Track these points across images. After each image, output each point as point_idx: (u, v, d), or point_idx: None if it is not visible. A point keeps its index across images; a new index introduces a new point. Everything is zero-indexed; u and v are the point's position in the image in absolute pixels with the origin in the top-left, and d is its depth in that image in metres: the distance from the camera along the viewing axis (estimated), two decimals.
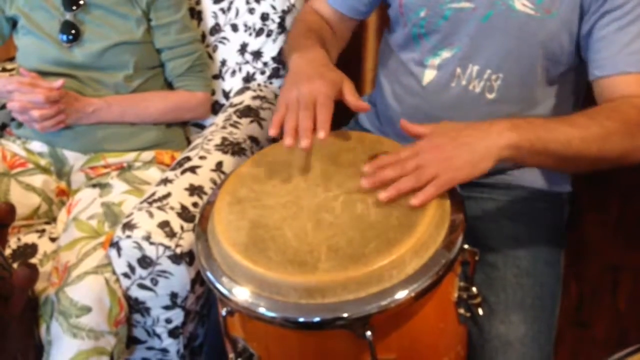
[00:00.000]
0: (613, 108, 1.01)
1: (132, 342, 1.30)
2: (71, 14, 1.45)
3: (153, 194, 1.24)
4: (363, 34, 1.91)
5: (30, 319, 1.18)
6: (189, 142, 1.63)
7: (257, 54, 1.64)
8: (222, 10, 1.65)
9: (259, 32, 1.62)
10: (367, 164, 0.93)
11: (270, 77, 1.65)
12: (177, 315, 1.25)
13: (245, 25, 1.63)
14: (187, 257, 1.17)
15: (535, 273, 1.10)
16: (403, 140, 0.99)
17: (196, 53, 1.57)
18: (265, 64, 1.64)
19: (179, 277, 1.18)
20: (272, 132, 0.98)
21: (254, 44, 1.63)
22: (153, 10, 1.50)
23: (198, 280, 1.21)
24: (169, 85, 1.60)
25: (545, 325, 1.06)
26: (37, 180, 1.44)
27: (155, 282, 1.19)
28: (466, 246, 0.88)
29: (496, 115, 1.12)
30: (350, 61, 1.32)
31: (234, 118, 1.51)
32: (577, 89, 1.20)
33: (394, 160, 0.91)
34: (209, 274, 0.88)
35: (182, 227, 1.18)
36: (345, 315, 0.78)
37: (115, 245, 1.18)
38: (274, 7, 1.60)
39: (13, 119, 1.52)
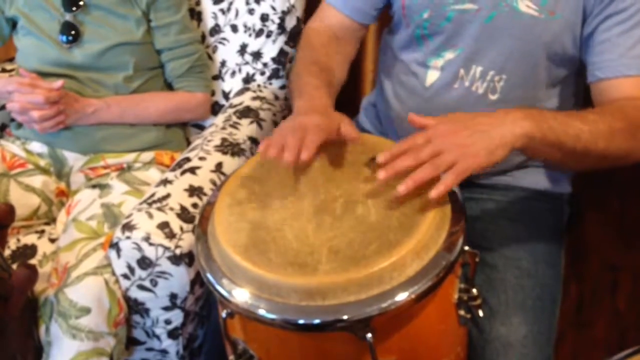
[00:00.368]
0: (617, 108, 1.01)
1: (131, 343, 1.30)
2: (71, 14, 1.44)
3: (153, 195, 1.24)
4: (364, 37, 1.90)
5: (30, 319, 1.18)
6: (188, 142, 1.63)
7: (256, 55, 1.64)
8: (222, 11, 1.65)
9: (258, 33, 1.62)
10: (381, 154, 0.90)
11: (270, 78, 1.65)
12: (177, 316, 1.25)
13: (245, 26, 1.63)
14: (186, 258, 1.17)
15: (536, 274, 1.10)
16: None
17: (196, 54, 1.57)
18: (265, 64, 1.64)
19: (179, 278, 1.18)
20: (260, 151, 0.96)
21: (253, 44, 1.63)
22: (153, 11, 1.50)
23: (197, 281, 1.21)
24: (169, 86, 1.60)
25: (545, 326, 1.07)
26: (37, 181, 1.44)
27: (154, 283, 1.19)
28: (467, 248, 0.88)
29: None
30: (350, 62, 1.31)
31: (234, 119, 1.51)
32: (578, 90, 1.21)
33: (408, 147, 0.89)
34: (208, 275, 0.88)
35: (181, 228, 1.18)
36: (345, 317, 0.78)
37: (114, 246, 1.18)
38: (273, 8, 1.60)
39: (13, 120, 1.52)
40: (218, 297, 0.87)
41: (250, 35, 1.63)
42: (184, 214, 1.20)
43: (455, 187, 0.94)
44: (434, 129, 0.90)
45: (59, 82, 1.37)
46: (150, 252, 1.15)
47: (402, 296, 0.79)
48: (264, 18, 1.61)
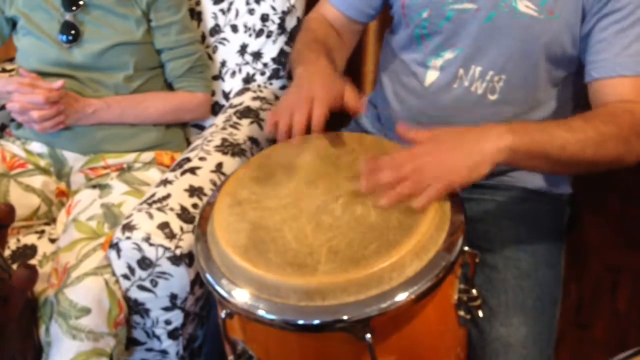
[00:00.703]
0: (608, 113, 1.01)
1: (131, 343, 1.30)
2: (71, 14, 1.45)
3: (153, 195, 1.24)
4: (363, 36, 1.91)
5: (30, 320, 1.18)
6: (188, 143, 1.63)
7: (257, 55, 1.64)
8: (222, 11, 1.65)
9: (259, 33, 1.62)
10: (366, 162, 0.92)
11: (270, 78, 1.65)
12: (177, 317, 1.25)
13: (245, 26, 1.63)
14: (186, 259, 1.17)
15: (536, 275, 1.10)
16: (404, 141, 0.99)
17: (196, 54, 1.57)
18: (265, 64, 1.64)
19: (179, 279, 1.18)
20: (267, 130, 1.01)
21: (253, 44, 1.63)
22: (153, 11, 1.50)
23: (197, 281, 1.21)
24: (169, 86, 1.60)
25: (545, 327, 1.06)
26: (37, 181, 1.44)
27: (154, 283, 1.19)
28: (466, 248, 0.88)
29: (498, 116, 1.12)
30: (350, 62, 1.31)
31: (234, 119, 1.51)
32: (577, 91, 1.20)
33: (390, 162, 0.91)
34: (208, 275, 0.88)
35: (181, 229, 1.18)
36: (345, 317, 0.78)
37: (114, 246, 1.18)
38: (274, 8, 1.60)
39: (13, 120, 1.52)
40: (217, 298, 0.87)
41: (250, 35, 1.63)
42: (184, 215, 1.20)
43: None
44: (418, 146, 0.92)
45: (59, 82, 1.37)
46: (150, 252, 1.15)
47: (401, 297, 0.79)
48: (264, 18, 1.61)
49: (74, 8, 1.44)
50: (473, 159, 0.89)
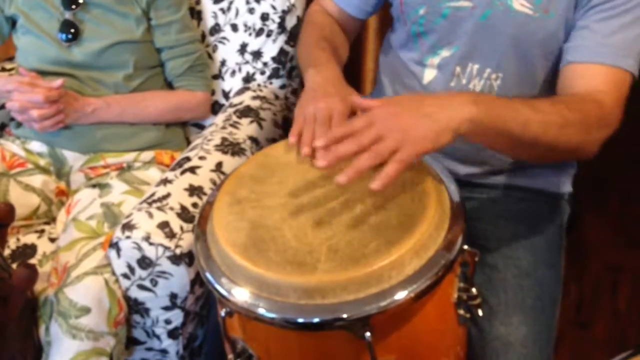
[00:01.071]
0: (575, 99, 1.00)
1: (131, 342, 1.30)
2: (70, 13, 1.45)
3: (153, 195, 1.24)
4: (363, 34, 1.91)
5: (30, 319, 1.18)
6: (188, 142, 1.63)
7: (257, 54, 1.64)
8: (222, 10, 1.65)
9: (258, 32, 1.62)
10: (319, 139, 0.87)
11: (270, 77, 1.65)
12: (177, 316, 1.25)
13: (245, 25, 1.63)
14: (186, 258, 1.17)
15: (536, 274, 1.10)
16: None
17: (196, 53, 1.57)
18: (265, 64, 1.64)
19: (179, 278, 1.18)
20: (292, 140, 0.99)
21: (253, 44, 1.63)
22: (153, 10, 1.50)
23: (197, 281, 1.21)
24: (169, 85, 1.60)
25: (545, 326, 1.06)
26: (37, 180, 1.44)
27: (154, 282, 1.19)
28: (466, 247, 0.88)
29: None
30: (350, 62, 1.31)
31: (234, 118, 1.51)
32: None
33: (348, 131, 0.86)
34: (208, 274, 0.88)
35: (181, 228, 1.18)
36: (344, 316, 0.78)
37: (114, 245, 1.18)
38: (274, 7, 1.60)
39: (12, 119, 1.52)
40: (217, 297, 0.87)
41: (250, 34, 1.63)
42: (184, 214, 1.20)
43: (455, 186, 0.94)
44: (376, 110, 0.87)
45: (58, 81, 1.37)
46: (150, 251, 1.15)
47: (401, 295, 0.79)
48: (264, 17, 1.61)
49: (73, 7, 1.44)
50: (437, 126, 0.84)
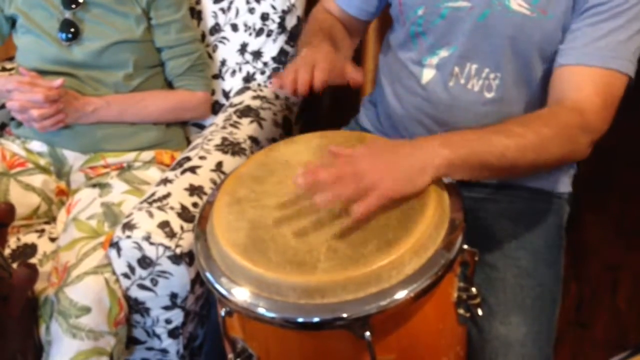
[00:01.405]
0: (551, 114, 1.01)
1: (131, 342, 1.30)
2: (70, 12, 1.45)
3: (153, 194, 1.24)
4: (363, 35, 1.90)
5: (30, 319, 1.18)
6: (188, 142, 1.63)
7: (257, 54, 1.64)
8: (222, 10, 1.65)
9: (259, 32, 1.62)
10: (304, 168, 0.88)
11: (270, 77, 1.65)
12: (177, 316, 1.25)
13: (245, 25, 1.63)
14: (187, 258, 1.17)
15: (535, 274, 1.10)
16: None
17: (196, 53, 1.57)
18: (265, 64, 1.64)
19: (179, 278, 1.18)
20: (274, 83, 1.03)
21: (254, 43, 1.63)
22: (153, 9, 1.50)
23: (198, 280, 1.21)
24: (169, 85, 1.60)
25: (545, 326, 1.06)
26: (37, 180, 1.44)
27: (155, 282, 1.19)
28: (465, 247, 0.88)
29: (496, 114, 1.12)
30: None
31: (234, 118, 1.51)
32: None
33: (329, 164, 0.88)
34: (208, 274, 0.88)
35: (182, 228, 1.18)
36: (344, 315, 0.78)
37: (115, 245, 1.18)
38: (274, 7, 1.60)
39: (13, 119, 1.52)
40: (217, 296, 0.87)
41: (250, 34, 1.63)
42: (184, 213, 1.20)
43: (455, 186, 0.94)
44: (356, 150, 0.90)
45: (58, 81, 1.37)
46: (150, 251, 1.15)
47: (400, 294, 0.79)
48: (265, 17, 1.61)
49: (73, 6, 1.44)
50: (413, 170, 0.87)
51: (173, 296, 1.21)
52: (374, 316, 0.79)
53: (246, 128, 1.48)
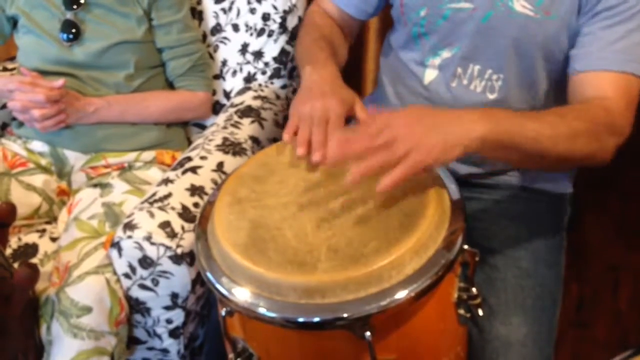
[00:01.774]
0: (582, 109, 1.00)
1: (132, 342, 1.30)
2: (72, 12, 1.45)
3: (154, 194, 1.24)
4: (364, 35, 1.91)
5: (31, 318, 1.18)
6: (189, 142, 1.63)
7: (258, 54, 1.64)
8: (223, 10, 1.65)
9: (260, 32, 1.62)
10: (332, 139, 0.89)
11: (271, 77, 1.65)
12: (178, 316, 1.25)
13: (247, 25, 1.63)
14: (187, 258, 1.17)
15: (536, 274, 1.10)
16: None
17: (197, 53, 1.57)
18: (266, 64, 1.64)
19: (180, 278, 1.18)
20: (286, 137, 1.00)
21: (255, 44, 1.63)
22: (154, 10, 1.50)
23: (199, 280, 1.21)
24: (170, 85, 1.60)
25: (545, 326, 1.07)
26: (38, 180, 1.44)
27: (156, 282, 1.19)
28: (466, 247, 0.88)
29: None
30: (351, 62, 1.32)
31: (235, 118, 1.51)
32: None
33: (363, 132, 0.87)
34: (208, 274, 0.88)
35: (183, 228, 1.18)
36: (345, 315, 0.78)
37: (116, 245, 1.18)
38: (275, 7, 1.60)
39: (14, 119, 1.52)
40: (218, 296, 0.87)
41: (251, 34, 1.63)
42: (185, 214, 1.20)
43: (456, 186, 0.94)
44: (391, 118, 0.88)
45: (60, 81, 1.37)
46: (151, 251, 1.16)
47: (401, 294, 0.79)
48: (266, 17, 1.61)
49: (74, 6, 1.44)
50: (448, 141, 0.86)
51: (174, 296, 1.21)
52: (375, 316, 0.79)
53: (247, 128, 1.48)
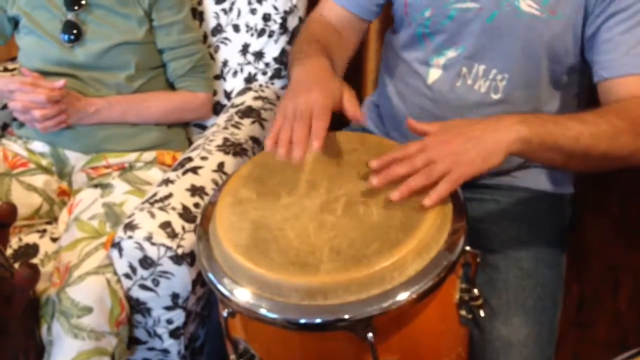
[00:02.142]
0: (621, 107, 1.00)
1: (133, 342, 1.30)
2: (73, 13, 1.45)
3: (154, 195, 1.24)
4: (364, 35, 1.90)
5: (32, 319, 1.18)
6: (190, 142, 1.63)
7: (258, 55, 1.64)
8: (224, 11, 1.65)
9: (260, 33, 1.62)
10: (374, 161, 0.91)
11: (272, 78, 1.65)
12: (178, 316, 1.25)
13: (247, 26, 1.63)
14: (188, 258, 1.17)
15: (537, 274, 1.10)
16: (407, 141, 0.99)
17: (198, 54, 1.57)
18: (266, 64, 1.64)
19: (180, 278, 1.18)
20: (268, 143, 0.96)
21: (255, 44, 1.63)
22: (155, 11, 1.50)
23: (199, 281, 1.21)
24: (171, 86, 1.60)
25: (546, 326, 1.07)
26: (39, 180, 1.44)
27: (156, 282, 1.19)
28: (468, 248, 0.88)
29: None
30: (351, 62, 1.31)
31: (236, 119, 1.51)
32: (580, 90, 1.20)
33: (401, 155, 0.90)
34: (210, 275, 0.88)
35: (183, 228, 1.18)
36: (347, 316, 0.78)
37: (116, 245, 1.18)
38: (275, 8, 1.60)
39: (15, 119, 1.52)
40: (219, 297, 0.87)
41: (252, 35, 1.63)
42: (185, 214, 1.20)
43: (457, 188, 0.94)
44: (428, 137, 0.91)
45: (61, 82, 1.37)
46: (152, 251, 1.16)
47: (403, 296, 0.79)
48: (266, 18, 1.61)
49: (76, 7, 1.44)
50: (486, 149, 0.88)
51: (174, 296, 1.21)
52: (377, 317, 0.79)
53: (248, 129, 1.48)
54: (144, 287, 1.20)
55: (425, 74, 1.20)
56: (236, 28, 1.64)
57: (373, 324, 0.79)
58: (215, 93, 1.67)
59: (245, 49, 1.64)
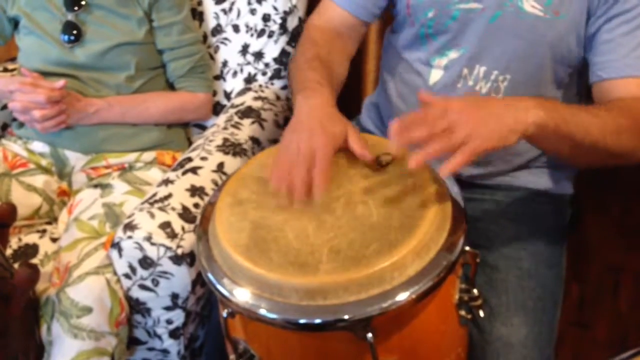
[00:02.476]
0: (624, 106, 1.01)
1: (133, 342, 1.30)
2: (73, 14, 1.45)
3: (154, 195, 1.25)
4: (365, 35, 1.90)
5: (31, 319, 1.18)
6: (190, 142, 1.63)
7: (258, 55, 1.64)
8: (224, 11, 1.65)
9: (260, 33, 1.62)
10: (394, 123, 0.88)
11: (271, 78, 1.65)
12: (178, 316, 1.25)
13: (247, 26, 1.63)
14: (188, 258, 1.17)
15: (537, 275, 1.10)
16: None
17: (198, 54, 1.57)
18: (266, 64, 1.64)
19: (180, 278, 1.18)
20: (274, 185, 0.94)
21: (255, 44, 1.63)
22: (155, 11, 1.50)
23: (199, 281, 1.21)
24: (171, 86, 1.60)
25: (546, 327, 1.07)
26: (38, 180, 1.44)
27: (156, 282, 1.19)
28: (467, 248, 0.88)
29: None
30: (351, 62, 1.31)
31: (235, 119, 1.51)
32: (580, 90, 1.20)
33: (422, 117, 0.88)
34: (210, 275, 0.88)
35: (183, 228, 1.18)
36: (346, 317, 0.78)
37: (116, 245, 1.18)
38: (275, 8, 1.60)
39: (14, 119, 1.52)
40: (219, 297, 0.87)
41: (252, 35, 1.63)
42: (185, 214, 1.20)
43: (457, 188, 0.94)
44: (450, 104, 0.89)
45: (60, 82, 1.37)
46: (151, 251, 1.16)
47: (402, 296, 0.79)
48: (266, 18, 1.61)
49: (76, 8, 1.44)
50: (505, 126, 0.87)
51: (174, 297, 1.21)
52: (376, 318, 0.79)
53: (247, 129, 1.48)
54: (143, 287, 1.20)
55: (426, 75, 1.20)
56: (236, 28, 1.64)
57: (372, 324, 0.79)
58: (215, 93, 1.67)
59: (245, 50, 1.64)
